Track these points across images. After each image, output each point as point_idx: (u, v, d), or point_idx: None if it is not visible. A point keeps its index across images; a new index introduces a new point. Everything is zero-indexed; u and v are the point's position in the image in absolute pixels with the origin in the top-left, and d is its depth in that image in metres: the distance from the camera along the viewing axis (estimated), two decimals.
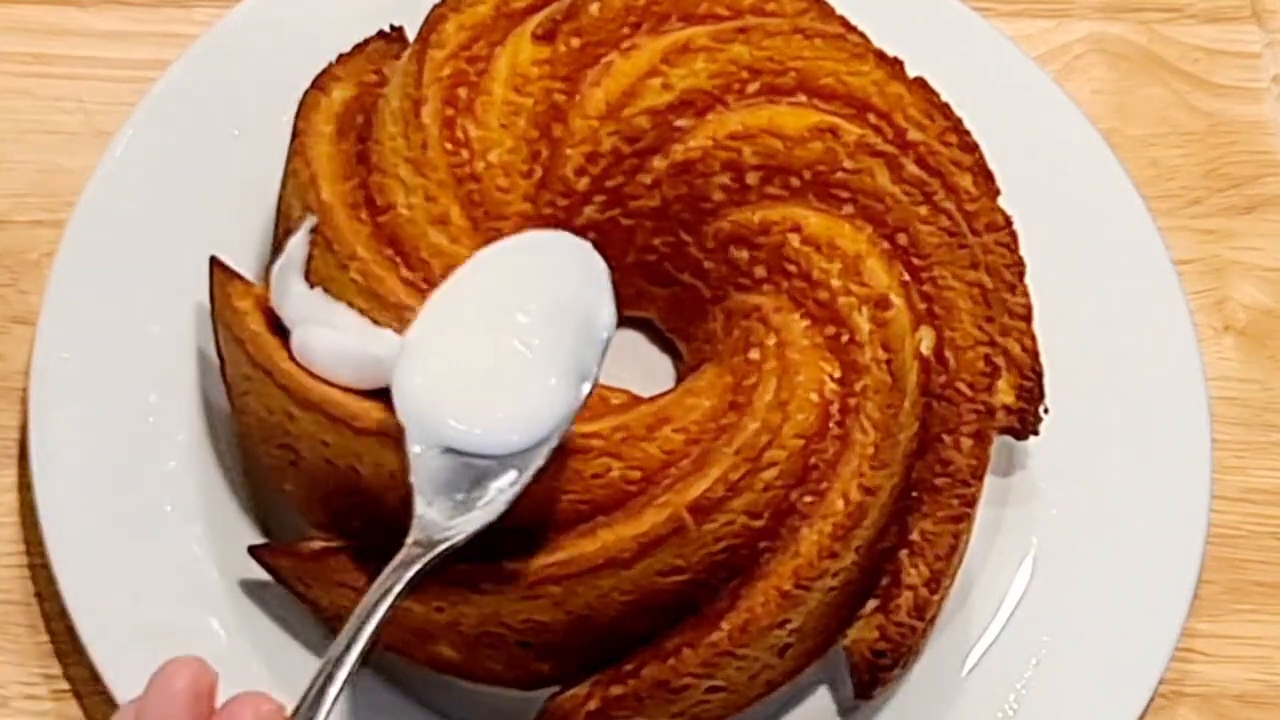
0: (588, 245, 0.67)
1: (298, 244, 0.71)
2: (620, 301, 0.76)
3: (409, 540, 0.63)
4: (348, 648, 0.60)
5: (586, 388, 0.65)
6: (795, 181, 0.73)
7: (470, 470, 0.64)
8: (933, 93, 0.75)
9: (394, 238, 0.71)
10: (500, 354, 0.65)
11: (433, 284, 0.70)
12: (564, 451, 0.67)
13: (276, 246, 0.74)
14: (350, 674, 0.59)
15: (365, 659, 0.70)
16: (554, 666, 0.68)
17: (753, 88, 0.73)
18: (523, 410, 0.65)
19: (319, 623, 0.71)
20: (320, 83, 0.76)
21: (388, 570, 0.62)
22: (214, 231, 0.76)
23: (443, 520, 0.63)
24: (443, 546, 0.63)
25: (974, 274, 0.72)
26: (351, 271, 0.70)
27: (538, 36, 0.74)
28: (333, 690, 0.58)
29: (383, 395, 0.67)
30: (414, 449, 0.64)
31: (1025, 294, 0.75)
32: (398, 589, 0.62)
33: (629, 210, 0.74)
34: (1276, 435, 0.81)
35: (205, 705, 0.58)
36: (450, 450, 0.64)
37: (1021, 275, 0.75)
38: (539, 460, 0.64)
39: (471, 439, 0.64)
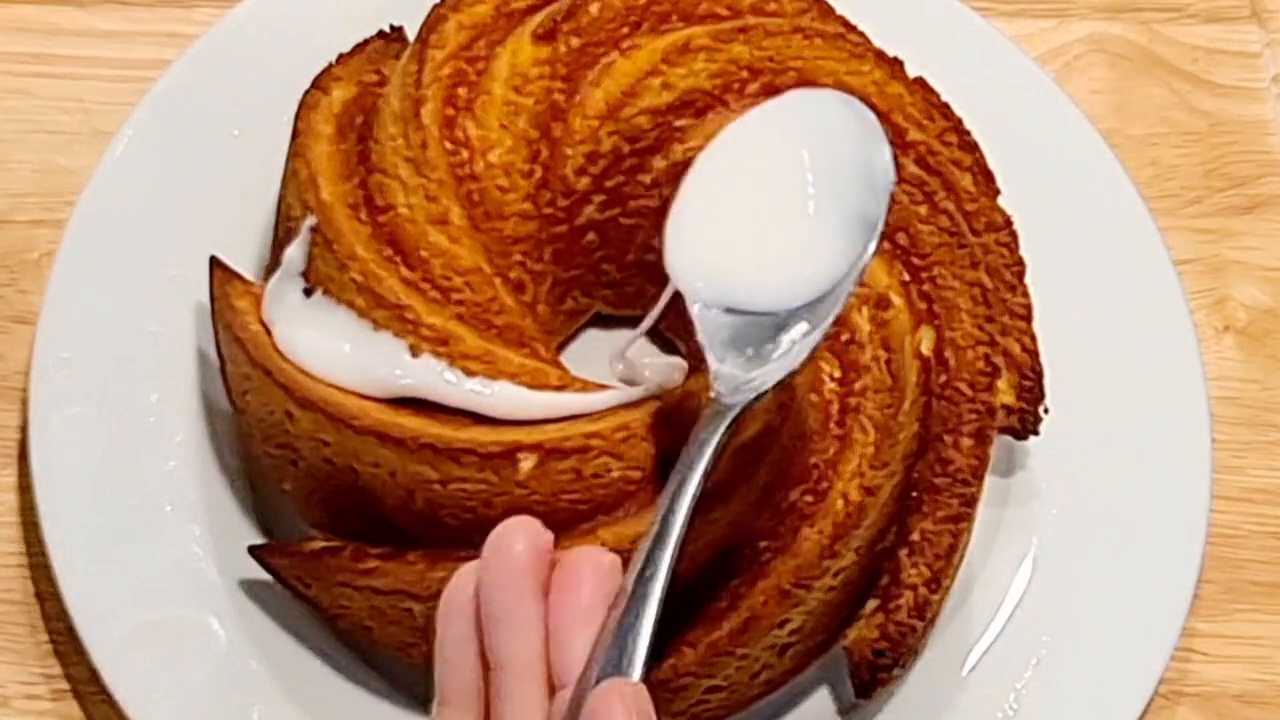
0: (854, 100, 0.66)
1: (294, 256, 0.71)
2: (620, 301, 0.76)
3: (710, 395, 0.63)
4: (674, 502, 0.60)
5: (874, 239, 0.64)
6: None
7: (755, 326, 0.64)
8: (933, 93, 0.75)
9: (394, 237, 0.71)
10: (772, 209, 0.65)
11: (433, 283, 0.71)
12: (563, 453, 0.67)
13: (276, 246, 0.74)
14: (680, 534, 0.59)
15: (363, 653, 0.71)
16: None
17: (753, 87, 0.74)
18: (800, 263, 0.64)
19: (319, 623, 0.71)
20: (320, 83, 0.76)
21: (695, 435, 0.62)
22: (214, 231, 0.76)
23: (740, 374, 0.63)
24: (751, 395, 0.62)
25: (974, 274, 0.72)
26: (351, 271, 0.70)
27: (538, 36, 0.74)
28: (668, 546, 0.58)
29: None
30: (694, 308, 0.64)
31: (1025, 294, 0.75)
32: (714, 442, 0.61)
33: (629, 210, 0.74)
34: (1276, 435, 0.81)
35: (544, 563, 0.57)
36: (733, 310, 0.64)
37: (1021, 275, 0.75)
38: (835, 309, 0.63)
39: (748, 296, 0.64)
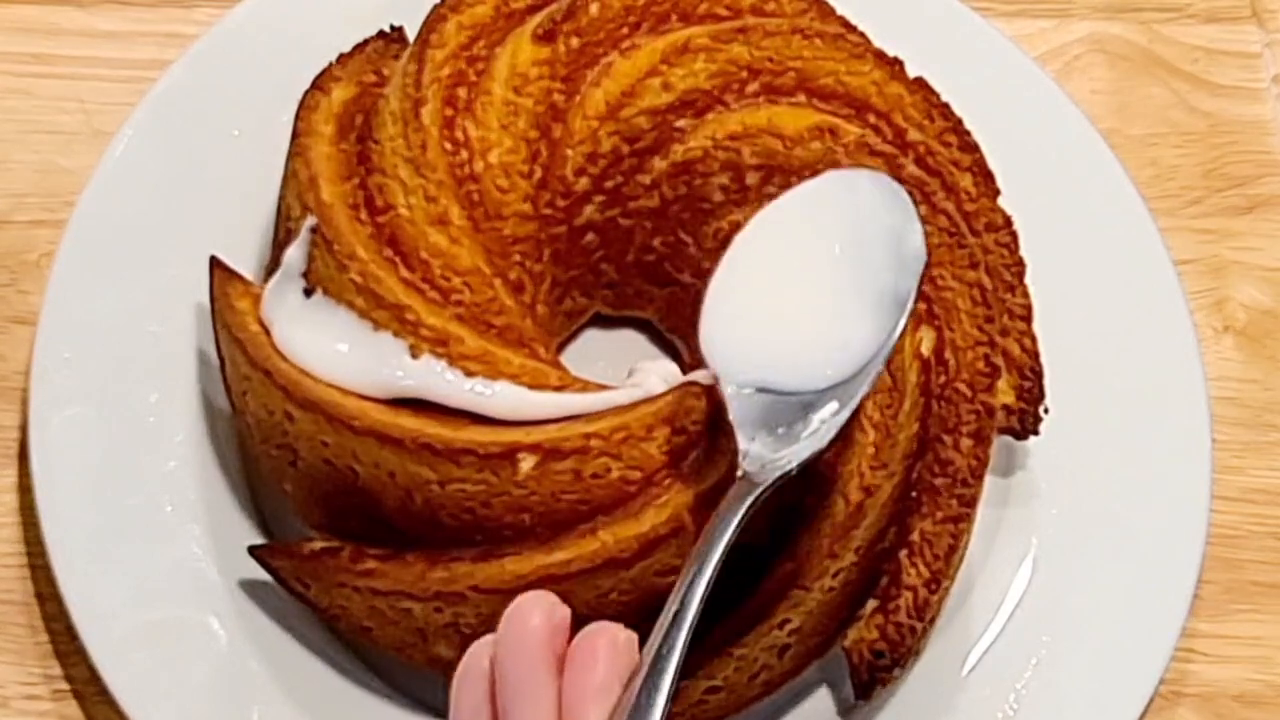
0: (886, 176, 0.67)
1: (294, 257, 0.71)
2: (619, 301, 0.76)
3: (738, 474, 0.63)
4: (692, 584, 0.60)
5: (905, 314, 0.65)
6: (795, 181, 0.72)
7: (787, 406, 0.64)
8: (932, 93, 0.75)
9: (394, 238, 0.71)
10: (805, 290, 0.66)
11: (433, 284, 0.71)
12: (562, 453, 0.67)
13: (276, 246, 0.74)
14: (697, 611, 0.59)
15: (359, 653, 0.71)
16: None
17: (752, 88, 0.74)
18: (831, 344, 0.65)
19: (319, 623, 0.71)
20: (320, 83, 0.76)
21: (718, 512, 0.62)
22: (214, 231, 0.76)
23: (768, 453, 0.64)
24: (777, 474, 0.63)
25: (973, 274, 0.72)
26: (351, 272, 0.70)
27: (538, 37, 0.74)
28: (685, 625, 0.58)
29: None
30: (727, 390, 0.65)
31: (1025, 294, 0.75)
32: (736, 520, 0.62)
33: (628, 210, 0.74)
34: (1276, 435, 0.81)
35: (560, 640, 0.57)
36: (764, 390, 0.64)
37: (1021, 275, 0.75)
38: (864, 388, 0.64)
39: (780, 377, 0.64)
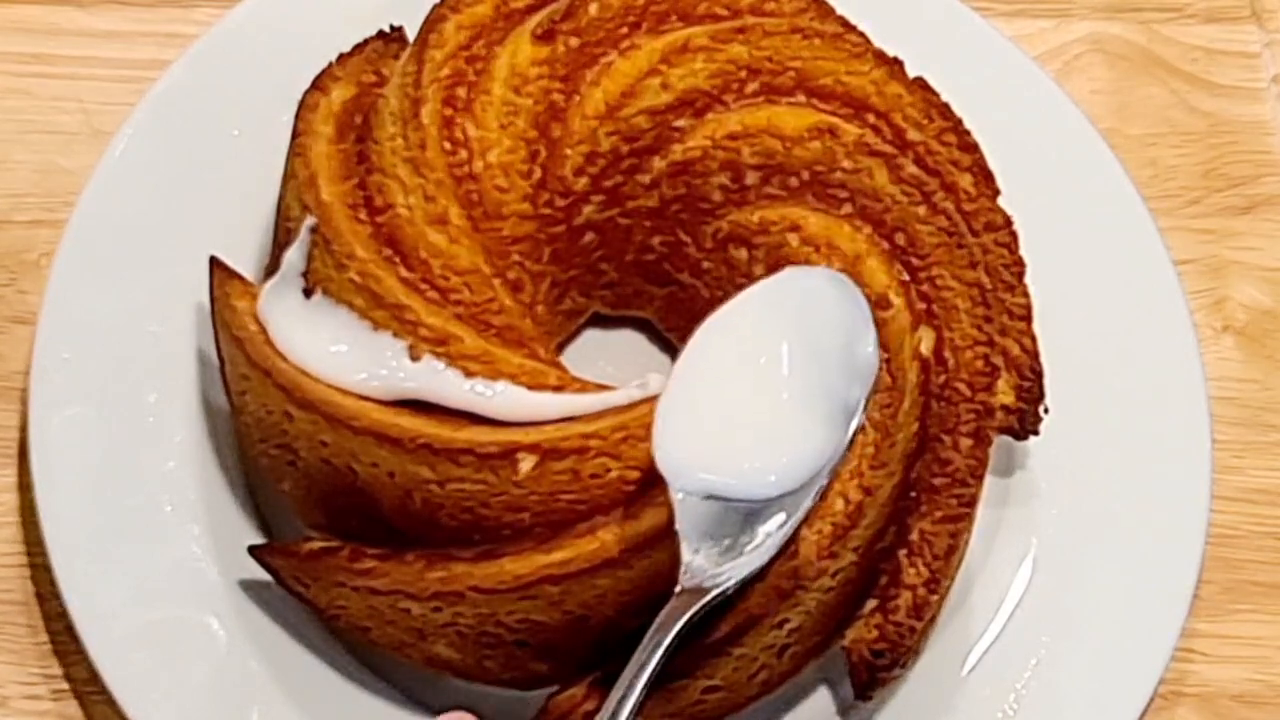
0: (844, 278, 0.67)
1: (293, 260, 0.71)
2: (619, 301, 0.76)
3: (676, 589, 0.64)
4: (629, 688, 0.62)
5: (854, 424, 0.65)
6: (794, 181, 0.73)
7: (735, 515, 0.65)
8: (932, 93, 0.75)
9: (393, 238, 0.71)
10: (758, 395, 0.65)
11: (432, 283, 0.71)
12: (561, 453, 0.67)
13: (276, 246, 0.74)
14: (633, 712, 0.61)
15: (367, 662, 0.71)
16: (552, 666, 0.68)
17: (751, 88, 0.74)
18: (781, 453, 0.65)
19: (318, 622, 0.71)
20: (320, 83, 0.76)
21: (657, 622, 0.63)
22: (214, 231, 0.76)
23: (710, 567, 0.64)
24: (714, 593, 0.64)
25: (973, 274, 0.72)
26: (350, 271, 0.70)
27: (537, 36, 0.74)
28: None
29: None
30: (676, 496, 0.64)
31: (1025, 294, 0.75)
32: (667, 641, 0.63)
33: (627, 210, 0.74)
34: (1276, 435, 0.81)
35: None
36: (713, 496, 0.64)
37: (1021, 275, 0.75)
38: (808, 500, 0.65)
39: (731, 485, 0.64)
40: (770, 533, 0.65)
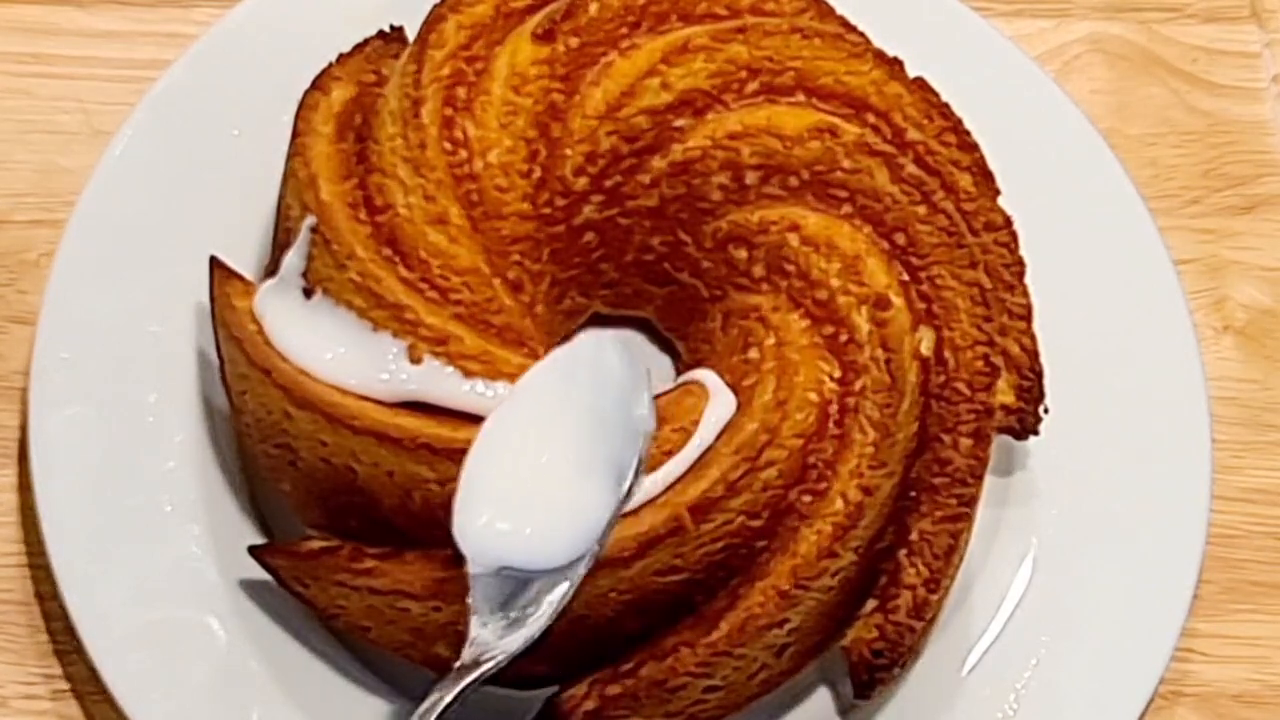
0: (619, 340, 0.68)
1: (293, 262, 0.71)
2: (618, 301, 0.77)
3: (458, 664, 0.65)
4: None
5: (625, 488, 0.66)
6: (794, 181, 0.73)
7: (525, 587, 0.65)
8: (932, 93, 0.75)
9: (393, 237, 0.71)
10: (550, 468, 0.66)
11: (432, 283, 0.71)
12: None
13: (276, 246, 0.74)
14: None
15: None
16: (552, 666, 0.68)
17: (751, 87, 0.73)
18: (568, 521, 0.66)
19: (318, 622, 0.71)
20: (320, 83, 0.76)
21: (429, 700, 0.64)
22: (214, 231, 0.76)
23: (494, 640, 0.65)
24: (486, 666, 0.64)
25: (973, 274, 0.72)
26: (350, 271, 0.70)
27: (537, 36, 0.74)
28: None
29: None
30: (473, 570, 0.65)
31: (1025, 294, 0.75)
32: (450, 697, 0.64)
33: (627, 210, 0.74)
34: (1276, 435, 0.81)
35: None
36: (506, 569, 0.65)
37: (1021, 275, 0.75)
38: (584, 566, 0.65)
39: (522, 556, 0.65)
40: (554, 601, 0.65)
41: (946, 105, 0.75)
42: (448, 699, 0.64)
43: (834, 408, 0.70)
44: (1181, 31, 0.89)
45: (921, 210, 0.72)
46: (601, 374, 0.68)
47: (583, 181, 0.73)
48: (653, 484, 0.67)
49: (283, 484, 0.71)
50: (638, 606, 0.67)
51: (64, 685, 0.73)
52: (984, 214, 0.74)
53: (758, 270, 0.73)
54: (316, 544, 0.69)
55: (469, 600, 0.65)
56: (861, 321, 0.70)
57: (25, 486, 0.74)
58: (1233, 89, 0.88)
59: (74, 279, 0.75)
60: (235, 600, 0.71)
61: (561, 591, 0.65)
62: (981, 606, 0.75)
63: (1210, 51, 0.89)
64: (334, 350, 0.70)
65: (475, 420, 0.68)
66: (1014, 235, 0.75)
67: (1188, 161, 0.86)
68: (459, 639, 0.68)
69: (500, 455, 0.67)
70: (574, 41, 0.74)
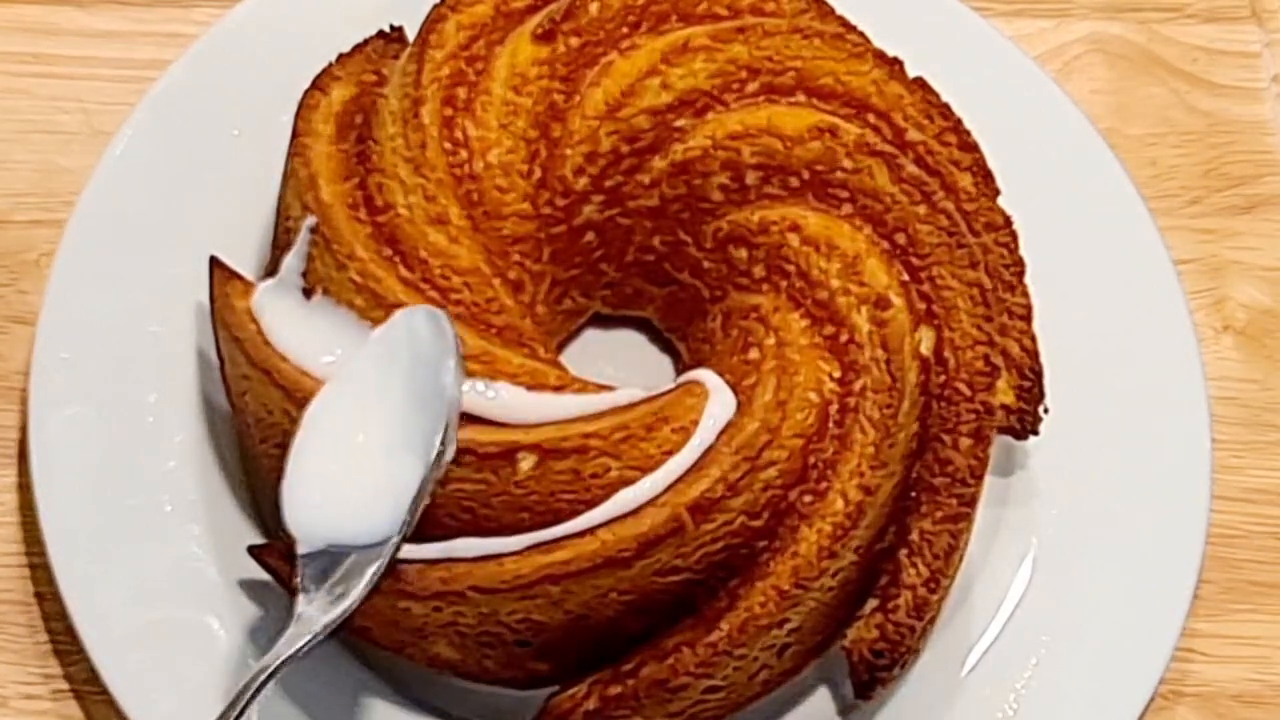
0: (439, 313, 0.68)
1: (292, 264, 0.71)
2: (619, 301, 0.76)
3: (284, 638, 0.65)
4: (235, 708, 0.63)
5: (432, 457, 0.66)
6: (794, 181, 0.73)
7: (347, 561, 0.66)
8: (932, 93, 0.75)
9: (393, 237, 0.71)
10: (362, 448, 0.67)
11: (432, 283, 0.71)
12: (562, 453, 0.67)
13: (276, 247, 0.74)
14: None
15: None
16: (552, 666, 0.69)
17: (752, 87, 0.74)
18: (385, 495, 0.66)
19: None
20: (320, 83, 0.76)
21: (256, 668, 0.64)
22: (214, 231, 0.76)
23: (318, 615, 0.65)
24: (307, 638, 0.65)
25: (973, 274, 0.72)
26: (350, 271, 0.70)
27: (537, 36, 0.74)
28: None
29: None
30: (301, 549, 0.66)
31: (1025, 294, 0.75)
32: (256, 686, 0.64)
33: (628, 210, 0.74)
34: (1276, 435, 0.81)
35: None
36: (332, 547, 0.66)
37: (1021, 275, 0.75)
38: (398, 538, 0.66)
39: (344, 533, 0.66)
40: (372, 575, 0.66)
41: (947, 105, 0.75)
42: (272, 667, 0.64)
43: (834, 408, 0.70)
44: (1181, 31, 0.89)
45: (922, 210, 0.72)
46: (416, 349, 0.68)
47: (583, 182, 0.73)
48: (653, 484, 0.67)
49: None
50: (638, 606, 0.67)
51: (64, 685, 0.73)
52: (984, 214, 0.74)
53: (758, 270, 0.73)
54: None
55: (296, 580, 0.66)
56: (862, 321, 0.70)
57: (25, 486, 0.74)
58: (1233, 89, 0.88)
59: (74, 279, 0.75)
60: (235, 600, 0.71)
61: (378, 565, 0.66)
62: (981, 606, 0.75)
63: (1210, 51, 0.89)
64: (334, 350, 0.70)
65: (475, 420, 0.68)
66: (1014, 235, 0.75)
67: (1188, 161, 0.86)
68: (460, 639, 0.68)
69: (322, 438, 0.67)
70: (574, 41, 0.74)
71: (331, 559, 0.66)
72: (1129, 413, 0.77)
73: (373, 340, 0.69)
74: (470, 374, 0.69)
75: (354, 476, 0.67)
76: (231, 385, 0.72)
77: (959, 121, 0.75)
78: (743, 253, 0.73)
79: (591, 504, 0.67)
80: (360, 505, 0.66)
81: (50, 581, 0.71)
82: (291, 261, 0.71)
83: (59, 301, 0.75)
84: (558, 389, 0.69)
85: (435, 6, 0.75)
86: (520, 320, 0.72)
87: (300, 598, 0.66)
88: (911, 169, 0.73)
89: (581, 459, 0.67)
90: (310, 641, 0.65)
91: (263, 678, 0.64)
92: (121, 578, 0.71)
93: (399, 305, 0.69)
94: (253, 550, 0.70)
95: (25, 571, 0.74)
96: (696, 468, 0.68)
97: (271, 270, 0.73)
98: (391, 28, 0.78)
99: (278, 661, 0.64)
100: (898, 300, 0.71)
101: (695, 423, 0.69)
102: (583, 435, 0.68)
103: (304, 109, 0.75)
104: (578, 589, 0.66)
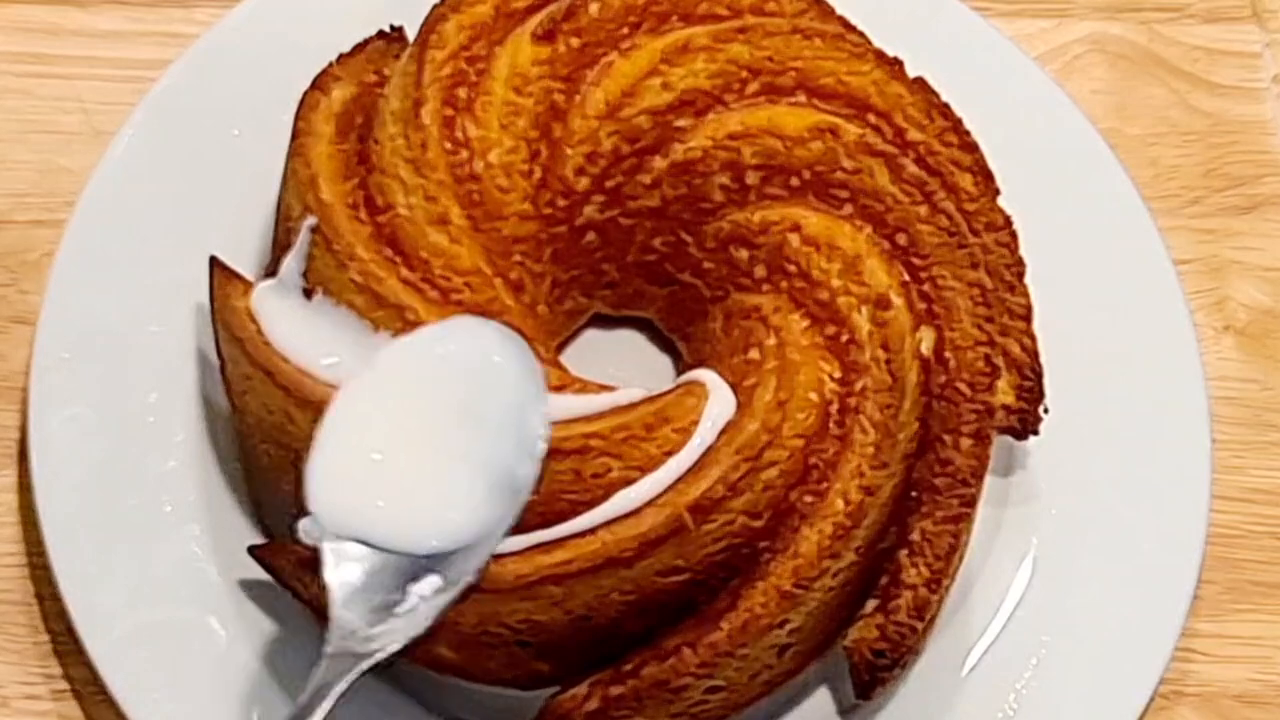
0: (508, 336, 0.67)
1: (292, 266, 0.71)
2: (620, 301, 0.77)
3: (327, 650, 0.63)
4: None
5: (521, 500, 0.65)
6: (795, 181, 0.73)
7: (386, 569, 0.64)
8: (933, 93, 0.75)
9: (394, 238, 0.71)
10: (420, 446, 0.65)
11: (433, 283, 0.71)
12: (563, 453, 0.67)
13: (276, 247, 0.74)
14: None
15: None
16: (553, 666, 0.69)
17: (752, 87, 0.74)
18: (441, 511, 0.64)
19: (318, 622, 0.71)
20: (320, 83, 0.76)
21: (309, 690, 0.62)
22: (214, 231, 0.76)
23: (363, 627, 0.63)
24: (366, 662, 0.62)
25: (974, 274, 0.72)
26: (351, 271, 0.70)
27: (538, 36, 0.74)
28: None
29: None
30: (326, 537, 0.64)
31: (1025, 294, 0.75)
32: (321, 711, 0.62)
33: (629, 210, 0.74)
34: (1276, 435, 0.81)
35: None
36: (365, 543, 0.64)
37: (1021, 275, 0.75)
38: (468, 573, 0.64)
39: (383, 532, 0.64)
40: (424, 595, 0.63)
41: (947, 105, 0.75)
42: (332, 696, 0.62)
43: (835, 408, 0.70)
44: (1182, 31, 0.89)
45: (922, 210, 0.72)
46: (477, 363, 0.66)
47: (584, 182, 0.73)
48: (653, 484, 0.67)
49: (284, 484, 0.71)
50: (639, 607, 0.67)
51: (64, 685, 0.73)
52: (985, 214, 0.74)
53: (759, 270, 0.73)
54: None
55: (324, 574, 0.64)
56: (862, 322, 0.71)
57: (25, 486, 0.74)
58: (1233, 89, 0.88)
59: (74, 279, 0.75)
60: (235, 600, 0.71)
61: (432, 585, 0.64)
62: (981, 606, 0.75)
63: (1211, 51, 0.89)
64: (334, 351, 0.70)
65: None
66: (1014, 235, 0.75)
67: (1188, 161, 0.86)
68: (460, 639, 0.68)
69: (365, 417, 0.65)
70: (575, 41, 0.74)
71: (365, 559, 0.64)
72: (1129, 413, 0.77)
73: (419, 336, 0.67)
74: None
75: (391, 476, 0.65)
76: (232, 385, 0.72)
77: (959, 121, 0.75)
78: (743, 253, 0.73)
79: (592, 504, 0.67)
80: (406, 511, 0.64)
81: (50, 582, 0.71)
82: (292, 262, 0.71)
83: (59, 301, 0.75)
84: (558, 389, 0.69)
85: (435, 7, 0.75)
86: (521, 320, 0.72)
87: (333, 600, 0.63)
88: (912, 169, 0.73)
89: (582, 459, 0.67)
90: (371, 664, 0.62)
91: (330, 699, 0.61)
92: (121, 578, 0.71)
93: (400, 306, 0.69)
94: (253, 550, 0.70)
95: (26, 572, 0.74)
96: (697, 468, 0.68)
97: (271, 270, 0.73)
98: (392, 28, 0.78)
99: (341, 687, 0.61)
100: (898, 300, 0.71)
101: (696, 423, 0.69)
102: (583, 435, 0.68)
103: (304, 109, 0.75)
104: (579, 589, 0.66)
